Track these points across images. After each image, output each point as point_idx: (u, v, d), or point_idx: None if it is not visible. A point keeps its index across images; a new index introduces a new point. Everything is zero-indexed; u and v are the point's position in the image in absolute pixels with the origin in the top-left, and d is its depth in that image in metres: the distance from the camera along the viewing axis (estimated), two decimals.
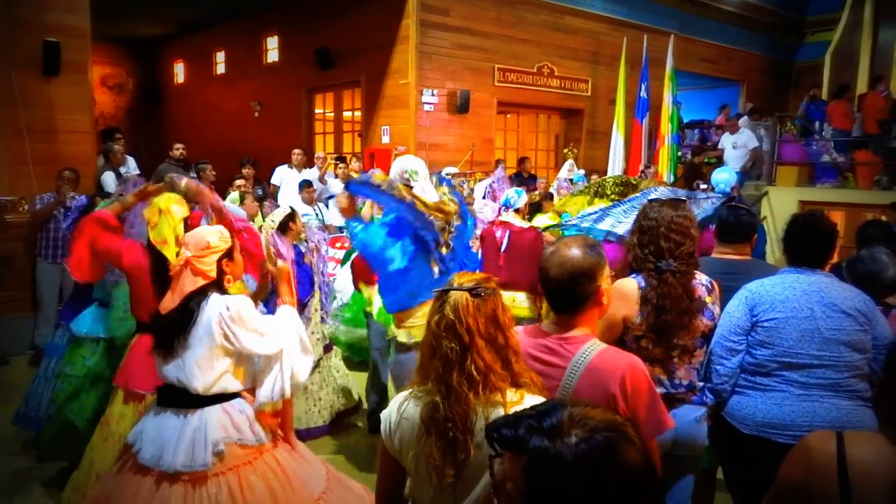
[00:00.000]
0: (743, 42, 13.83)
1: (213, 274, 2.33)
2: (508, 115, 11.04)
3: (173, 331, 2.25)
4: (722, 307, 2.56)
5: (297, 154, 8.63)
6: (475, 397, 1.55)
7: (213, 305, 2.29)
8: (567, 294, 1.82)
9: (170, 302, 2.33)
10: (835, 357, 2.38)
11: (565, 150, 10.44)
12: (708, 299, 2.42)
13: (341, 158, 9.02)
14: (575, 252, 1.81)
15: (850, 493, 1.30)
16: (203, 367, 2.24)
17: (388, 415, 1.70)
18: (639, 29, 11.06)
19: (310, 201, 7.38)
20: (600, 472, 0.91)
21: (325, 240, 4.71)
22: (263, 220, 7.56)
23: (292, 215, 4.22)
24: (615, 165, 10.40)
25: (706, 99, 14.69)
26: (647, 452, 0.95)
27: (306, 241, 4.39)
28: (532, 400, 1.57)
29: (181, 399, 2.27)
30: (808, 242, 2.55)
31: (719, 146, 10.63)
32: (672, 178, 10.36)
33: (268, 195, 8.56)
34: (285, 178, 8.47)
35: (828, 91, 12.01)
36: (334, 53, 10.16)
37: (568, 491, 0.91)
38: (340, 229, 7.60)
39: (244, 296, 2.43)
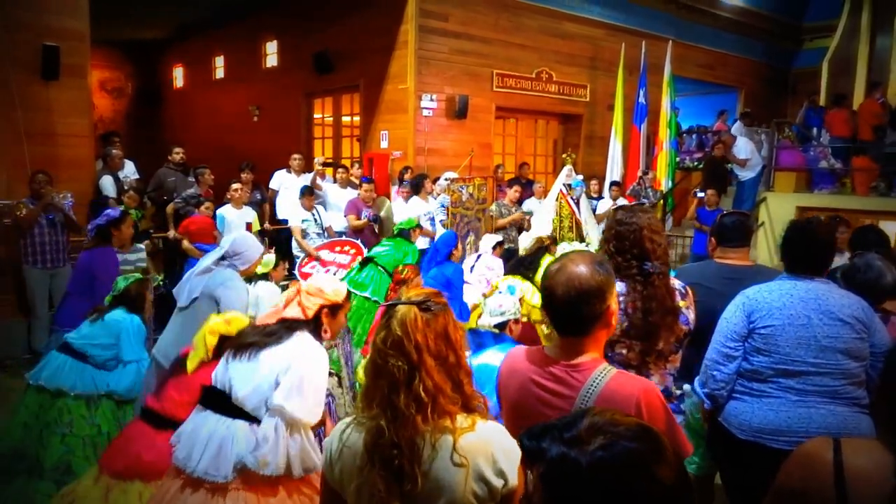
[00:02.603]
0: (740, 48, 13.84)
1: (311, 314, 2.38)
2: (507, 121, 11.06)
3: (256, 341, 2.31)
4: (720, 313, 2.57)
5: (295, 159, 8.64)
6: (423, 422, 1.42)
7: (296, 345, 2.31)
8: (574, 315, 1.70)
9: (267, 318, 2.41)
10: (832, 365, 2.38)
11: (563, 156, 10.42)
12: (681, 304, 2.39)
13: (328, 164, 9.01)
14: (583, 269, 1.68)
15: (847, 500, 1.30)
16: (253, 381, 2.27)
17: (330, 443, 1.56)
18: (637, 35, 11.08)
19: (308, 207, 7.46)
20: (623, 483, 0.85)
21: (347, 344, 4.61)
22: (261, 225, 7.55)
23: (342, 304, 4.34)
24: (613, 171, 10.42)
25: (704, 105, 14.72)
26: (682, 471, 0.88)
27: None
28: (484, 426, 1.49)
29: (219, 403, 2.30)
30: (805, 250, 2.55)
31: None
32: (670, 184, 10.37)
33: (266, 200, 8.57)
34: (284, 182, 8.48)
35: (825, 98, 12.04)
36: (333, 58, 10.16)
37: (585, 500, 0.86)
38: (340, 233, 7.62)
39: (324, 352, 2.44)
